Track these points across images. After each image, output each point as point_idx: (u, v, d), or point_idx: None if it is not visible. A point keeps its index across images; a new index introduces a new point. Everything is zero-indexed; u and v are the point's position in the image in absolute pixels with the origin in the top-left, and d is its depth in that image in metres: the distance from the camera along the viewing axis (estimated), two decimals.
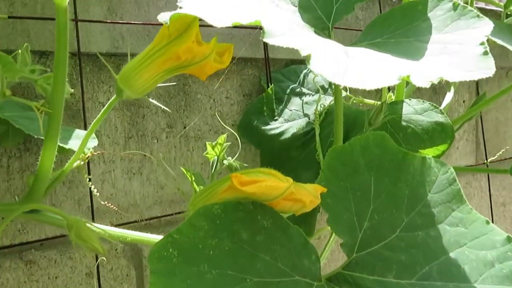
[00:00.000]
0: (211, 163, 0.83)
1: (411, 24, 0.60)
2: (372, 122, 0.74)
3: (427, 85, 0.44)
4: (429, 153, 0.88)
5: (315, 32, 0.63)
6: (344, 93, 0.96)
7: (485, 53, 0.50)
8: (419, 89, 1.30)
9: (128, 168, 0.86)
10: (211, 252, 0.42)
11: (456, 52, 0.52)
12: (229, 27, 0.92)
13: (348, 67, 0.43)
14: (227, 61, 0.52)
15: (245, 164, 0.87)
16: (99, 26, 0.82)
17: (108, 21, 0.82)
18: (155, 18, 0.91)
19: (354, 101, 1.00)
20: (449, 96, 1.12)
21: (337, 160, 0.51)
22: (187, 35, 0.46)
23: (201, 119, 0.94)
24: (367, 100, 1.00)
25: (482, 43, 0.52)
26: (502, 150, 1.02)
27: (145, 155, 0.86)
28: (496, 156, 1.20)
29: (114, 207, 0.80)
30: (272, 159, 0.94)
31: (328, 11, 0.67)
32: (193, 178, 0.78)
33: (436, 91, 1.39)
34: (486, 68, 0.48)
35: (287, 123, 0.95)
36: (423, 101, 0.90)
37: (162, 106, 0.73)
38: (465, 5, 0.59)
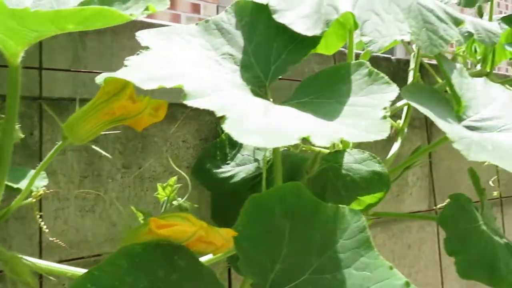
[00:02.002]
0: (161, 203, 0.89)
1: (335, 86, 0.68)
2: (308, 170, 0.81)
3: (328, 145, 0.51)
4: (366, 200, 0.95)
5: (252, 89, 0.70)
6: None
7: (384, 117, 0.58)
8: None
9: (81, 206, 0.90)
10: None
11: (364, 115, 0.60)
12: None
13: (258, 127, 0.50)
14: (162, 115, 0.59)
15: (195, 205, 0.92)
16: (63, 74, 0.89)
17: (72, 69, 0.89)
18: (117, 68, 0.99)
19: (303, 148, 1.07)
20: (395, 146, 1.21)
21: (254, 207, 0.57)
22: (121, 94, 0.53)
23: (157, 161, 1.00)
24: (314, 148, 1.08)
25: (384, 108, 0.60)
26: (447, 200, 1.09)
27: (98, 194, 0.90)
28: (444, 204, 1.27)
29: (62, 243, 0.83)
30: (222, 201, 1.00)
31: (267, 70, 0.75)
32: (142, 217, 0.83)
33: (391, 140, 1.48)
34: (381, 131, 0.55)
35: (238, 167, 1.01)
36: (363, 151, 0.97)
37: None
38: (378, 72, 0.67)
